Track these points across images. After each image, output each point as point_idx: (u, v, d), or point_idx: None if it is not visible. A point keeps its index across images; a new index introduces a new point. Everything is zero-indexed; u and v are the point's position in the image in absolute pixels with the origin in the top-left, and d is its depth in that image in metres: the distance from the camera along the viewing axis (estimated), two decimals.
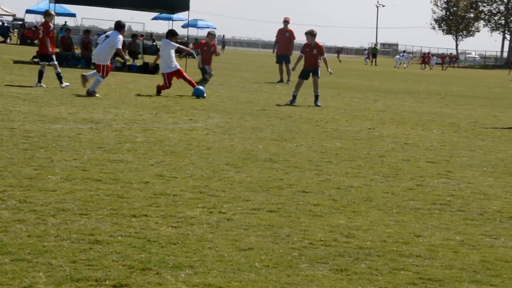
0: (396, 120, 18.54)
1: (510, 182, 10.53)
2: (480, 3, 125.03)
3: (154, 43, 66.03)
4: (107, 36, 20.52)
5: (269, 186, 9.09)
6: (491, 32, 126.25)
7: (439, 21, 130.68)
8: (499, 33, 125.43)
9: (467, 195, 9.38)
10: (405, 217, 7.94)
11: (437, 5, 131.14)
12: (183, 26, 61.91)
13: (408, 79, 48.52)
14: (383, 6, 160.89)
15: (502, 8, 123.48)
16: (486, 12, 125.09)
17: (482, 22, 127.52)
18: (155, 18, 62.44)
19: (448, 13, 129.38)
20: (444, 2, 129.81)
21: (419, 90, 35.11)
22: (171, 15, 41.23)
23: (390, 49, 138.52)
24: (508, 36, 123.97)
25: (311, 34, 21.81)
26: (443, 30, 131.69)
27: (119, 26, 20.56)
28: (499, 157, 13.03)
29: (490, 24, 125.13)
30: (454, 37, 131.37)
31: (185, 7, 34.09)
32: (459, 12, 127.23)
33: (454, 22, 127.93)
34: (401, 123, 18.02)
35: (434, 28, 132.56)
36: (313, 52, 21.69)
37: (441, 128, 17.34)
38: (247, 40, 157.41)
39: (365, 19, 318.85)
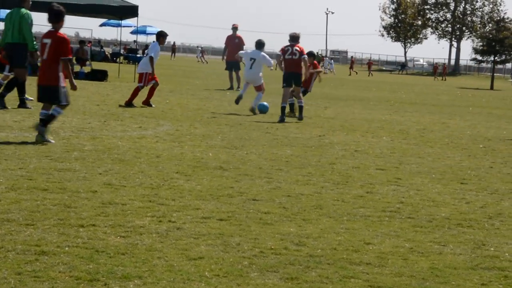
0: (346, 127, 18.61)
1: (458, 189, 10.61)
2: (427, 11, 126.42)
3: (102, 50, 65.57)
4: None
5: (219, 194, 9.04)
6: (439, 40, 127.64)
7: (387, 28, 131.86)
8: (447, 40, 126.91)
9: (416, 202, 9.42)
10: (355, 225, 7.94)
11: (385, 13, 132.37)
12: (132, 33, 61.53)
13: (358, 86, 48.84)
14: (333, 13, 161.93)
15: (449, 15, 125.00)
16: (433, 20, 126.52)
17: (429, 30, 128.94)
18: (103, 24, 62.02)
19: (396, 20, 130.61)
20: (392, 9, 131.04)
21: (368, 97, 35.36)
22: (120, 21, 40.96)
23: (340, 56, 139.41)
24: (455, 44, 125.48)
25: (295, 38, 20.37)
26: (391, 37, 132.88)
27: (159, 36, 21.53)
28: (447, 164, 13.13)
29: (437, 32, 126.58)
30: (402, 44, 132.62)
31: (134, 13, 33.80)
32: (407, 20, 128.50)
33: (402, 29, 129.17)
34: (351, 130, 18.10)
35: (382, 36, 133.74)
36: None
37: (391, 135, 17.45)
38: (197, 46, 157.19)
39: (315, 26, 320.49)
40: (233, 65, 32.31)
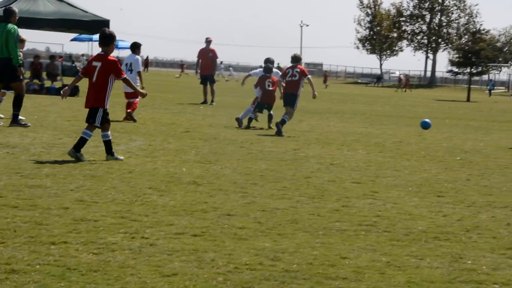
0: (321, 141, 18.56)
1: (435, 202, 10.56)
2: (403, 23, 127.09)
3: (73, 64, 65.24)
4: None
5: (193, 210, 8.93)
6: (415, 52, 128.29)
7: (363, 41, 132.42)
8: (422, 52, 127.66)
9: (393, 216, 9.35)
10: (331, 239, 7.85)
11: (360, 25, 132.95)
12: None
13: (333, 99, 48.90)
14: (307, 25, 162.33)
15: (424, 27, 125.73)
16: (409, 32, 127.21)
17: (405, 42, 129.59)
18: (74, 39, 61.67)
19: (371, 32, 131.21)
20: (368, 21, 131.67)
21: (344, 110, 35.38)
22: (91, 36, 40.75)
23: (315, 69, 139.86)
24: (431, 55, 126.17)
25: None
26: (367, 50, 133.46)
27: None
28: (424, 177, 13.09)
29: (413, 44, 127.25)
30: (378, 56, 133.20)
31: (105, 27, 33.57)
32: (383, 32, 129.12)
33: (378, 41, 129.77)
34: (327, 143, 18.04)
35: (358, 48, 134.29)
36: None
37: (367, 148, 17.40)
38: (170, 60, 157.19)
39: (289, 39, 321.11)
40: (207, 78, 32.23)
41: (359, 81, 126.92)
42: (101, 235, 7.38)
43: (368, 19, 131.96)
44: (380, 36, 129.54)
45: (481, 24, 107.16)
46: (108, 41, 12.86)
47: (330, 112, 32.43)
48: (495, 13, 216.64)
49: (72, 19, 32.31)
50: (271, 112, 21.75)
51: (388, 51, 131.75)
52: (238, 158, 14.15)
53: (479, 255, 7.52)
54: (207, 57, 32.62)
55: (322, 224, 8.60)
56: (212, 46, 33.04)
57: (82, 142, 12.54)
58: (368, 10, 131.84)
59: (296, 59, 20.66)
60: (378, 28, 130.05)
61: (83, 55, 78.85)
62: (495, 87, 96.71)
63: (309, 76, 20.56)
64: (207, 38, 33.06)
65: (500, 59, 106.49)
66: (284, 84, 20.81)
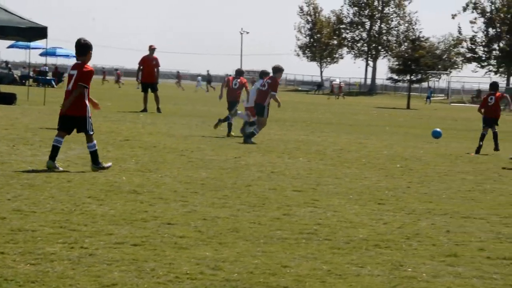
0: (262, 149, 18.54)
1: (376, 210, 10.60)
2: (343, 30, 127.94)
3: (11, 72, 64.29)
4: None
5: (133, 219, 8.83)
6: (355, 59, 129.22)
7: (303, 48, 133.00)
8: (362, 59, 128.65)
9: (333, 224, 9.36)
10: (272, 248, 7.82)
11: (301, 32, 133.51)
12: (41, 55, 60.55)
13: (274, 107, 48.94)
14: (247, 33, 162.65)
15: (364, 35, 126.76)
16: (349, 39, 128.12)
17: (345, 49, 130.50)
18: (11, 46, 60.84)
19: (312, 40, 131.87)
20: (308, 29, 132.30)
21: (284, 117, 35.42)
22: (29, 43, 40.18)
23: (256, 76, 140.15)
24: (371, 63, 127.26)
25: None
26: (307, 57, 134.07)
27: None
28: (364, 185, 13.14)
29: (353, 51, 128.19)
30: (318, 64, 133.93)
31: (43, 35, 32.98)
32: (323, 39, 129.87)
33: (318, 49, 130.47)
34: (268, 151, 18.03)
35: (298, 55, 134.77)
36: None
37: (307, 156, 17.43)
38: (109, 68, 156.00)
39: (229, 46, 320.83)
40: (149, 86, 32.05)
41: (300, 88, 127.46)
42: (39, 245, 7.26)
43: (308, 26, 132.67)
44: (321, 43, 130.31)
45: (420, 32, 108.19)
46: (84, 50, 12.87)
47: (270, 120, 32.23)
48: (435, 21, 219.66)
49: (8, 26, 31.70)
50: (231, 121, 22.42)
51: (328, 59, 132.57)
52: (179, 166, 14.05)
53: (419, 262, 7.55)
54: (151, 64, 32.44)
55: (263, 232, 8.57)
56: (155, 54, 32.86)
57: (55, 150, 12.53)
58: (308, 18, 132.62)
59: (276, 71, 21.72)
60: (318, 35, 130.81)
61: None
62: (433, 95, 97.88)
63: (274, 93, 21.33)
64: (151, 46, 32.89)
65: (440, 66, 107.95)
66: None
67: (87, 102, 12.73)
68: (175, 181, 12.11)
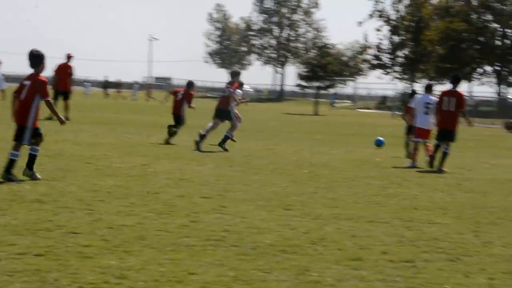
0: (171, 156, 18.43)
1: (283, 215, 10.65)
2: (252, 37, 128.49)
3: None
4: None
5: (37, 229, 8.66)
6: (264, 66, 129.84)
7: (212, 55, 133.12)
8: (271, 66, 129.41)
9: (241, 230, 9.36)
10: (179, 255, 7.78)
11: (210, 39, 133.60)
12: None
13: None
14: (157, 39, 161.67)
15: (273, 42, 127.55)
16: (258, 46, 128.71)
17: (254, 56, 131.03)
18: None
19: (221, 46, 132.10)
20: (217, 35, 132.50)
21: (194, 124, 35.27)
22: None
23: (164, 83, 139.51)
24: (280, 70, 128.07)
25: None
26: (216, 64, 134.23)
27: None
28: (272, 191, 13.19)
29: (262, 58, 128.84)
30: (228, 70, 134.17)
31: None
32: (232, 46, 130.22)
33: (227, 55, 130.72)
34: (176, 158, 17.93)
35: (207, 62, 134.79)
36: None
37: (216, 163, 17.40)
38: (22, 74, 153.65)
39: (138, 53, 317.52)
40: (63, 94, 31.57)
41: (209, 95, 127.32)
42: None
43: (217, 33, 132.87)
44: (230, 50, 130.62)
45: (328, 39, 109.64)
46: (37, 61, 12.79)
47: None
48: (342, 28, 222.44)
49: None
50: (175, 129, 23.18)
51: (237, 65, 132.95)
52: (85, 174, 13.85)
53: (324, 267, 7.61)
54: (66, 72, 32.01)
55: (170, 240, 8.51)
56: (70, 63, 32.39)
57: (11, 163, 12.52)
58: (218, 24, 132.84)
59: (234, 75, 22.56)
60: (227, 42, 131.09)
61: None
62: (337, 100, 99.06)
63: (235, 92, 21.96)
64: (68, 54, 32.46)
65: (346, 73, 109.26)
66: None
67: (34, 113, 12.60)
68: (81, 190, 11.93)
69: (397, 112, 67.46)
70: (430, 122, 19.55)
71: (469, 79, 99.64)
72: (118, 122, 32.30)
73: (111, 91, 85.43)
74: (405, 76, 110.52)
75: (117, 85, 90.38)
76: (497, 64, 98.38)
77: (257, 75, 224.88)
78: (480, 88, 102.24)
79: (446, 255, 8.49)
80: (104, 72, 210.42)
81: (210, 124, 22.21)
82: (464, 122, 19.15)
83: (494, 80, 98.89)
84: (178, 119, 23.77)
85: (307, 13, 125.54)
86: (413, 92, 22.83)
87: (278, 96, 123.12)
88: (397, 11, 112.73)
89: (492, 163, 20.14)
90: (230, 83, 22.23)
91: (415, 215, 11.20)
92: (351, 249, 8.57)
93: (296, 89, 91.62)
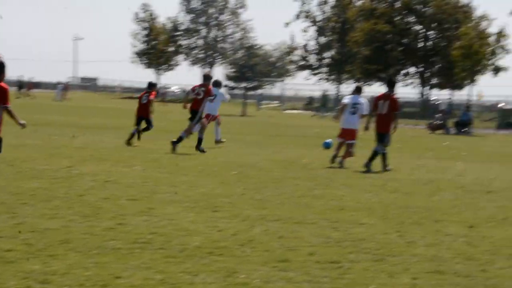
0: (96, 157, 18.22)
1: (211, 217, 10.62)
2: (179, 37, 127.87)
3: None
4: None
5: None
6: (192, 66, 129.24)
7: (139, 55, 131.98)
8: (199, 67, 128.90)
9: (168, 232, 9.30)
10: (105, 258, 7.69)
11: (137, 39, 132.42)
12: None
13: (110, 114, 48.43)
14: (82, 39, 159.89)
15: (201, 42, 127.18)
16: (185, 46, 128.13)
17: (182, 56, 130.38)
18: None
19: (148, 46, 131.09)
20: (144, 35, 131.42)
21: (120, 125, 35.03)
22: None
23: (90, 84, 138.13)
24: (207, 70, 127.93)
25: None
26: (144, 64, 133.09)
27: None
28: (201, 192, 13.14)
29: (190, 58, 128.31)
30: (155, 70, 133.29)
31: None
32: (159, 46, 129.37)
33: (154, 56, 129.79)
34: (102, 160, 17.74)
35: (134, 62, 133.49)
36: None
37: (144, 164, 17.26)
38: None
39: (62, 53, 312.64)
40: None
41: (136, 95, 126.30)
42: None
43: (144, 33, 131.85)
44: (157, 50, 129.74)
45: (255, 39, 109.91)
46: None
47: (106, 128, 32.04)
48: (269, 29, 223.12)
49: None
50: (146, 131, 24.06)
51: (165, 65, 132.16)
52: (7, 176, 13.59)
53: (252, 268, 7.61)
54: None
55: (95, 243, 8.41)
56: None
57: None
58: (144, 24, 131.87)
59: (206, 78, 22.96)
60: (154, 42, 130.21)
61: None
62: (265, 101, 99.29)
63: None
64: None
65: (274, 73, 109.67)
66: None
67: None
68: (3, 192, 11.69)
69: (327, 114, 68.05)
70: (356, 122, 19.97)
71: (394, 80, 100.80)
72: (41, 123, 31.81)
73: (23, 91, 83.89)
74: (332, 77, 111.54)
75: (29, 84, 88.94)
76: (420, 65, 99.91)
77: (185, 75, 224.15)
78: (403, 89, 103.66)
79: (372, 256, 8.57)
80: (29, 73, 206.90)
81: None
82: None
83: (417, 81, 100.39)
84: (148, 121, 24.43)
85: (234, 13, 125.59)
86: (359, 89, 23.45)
87: None
88: (323, 12, 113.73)
89: (416, 164, 20.42)
90: (203, 86, 22.49)
91: (342, 216, 11.29)
92: (278, 250, 8.59)
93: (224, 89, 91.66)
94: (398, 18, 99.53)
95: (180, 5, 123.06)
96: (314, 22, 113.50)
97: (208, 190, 13.53)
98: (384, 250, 8.90)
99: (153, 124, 24.64)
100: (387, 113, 18.96)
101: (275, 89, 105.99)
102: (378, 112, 19.12)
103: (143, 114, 24.42)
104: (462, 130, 48.33)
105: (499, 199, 14.27)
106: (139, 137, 23.83)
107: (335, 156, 19.62)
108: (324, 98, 74.41)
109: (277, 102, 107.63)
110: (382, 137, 19.00)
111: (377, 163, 18.56)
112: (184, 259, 7.92)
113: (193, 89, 22.59)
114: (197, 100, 22.28)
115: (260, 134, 35.08)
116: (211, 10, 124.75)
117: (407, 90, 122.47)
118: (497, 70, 59.83)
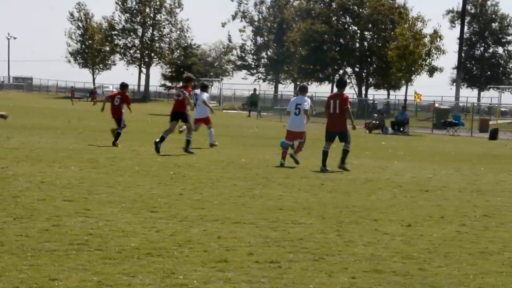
0: (31, 158, 17.96)
1: (149, 218, 10.53)
2: (115, 37, 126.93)
3: None
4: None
5: None
6: (128, 66, 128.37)
7: (74, 54, 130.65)
8: (135, 66, 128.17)
9: (105, 233, 9.20)
10: (40, 260, 7.57)
11: (72, 38, 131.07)
12: None
13: (45, 115, 47.82)
14: (15, 38, 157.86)
15: (137, 41, 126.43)
16: (121, 46, 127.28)
17: (118, 56, 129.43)
18: None
19: (83, 46, 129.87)
20: (79, 35, 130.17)
21: (55, 125, 34.63)
22: None
23: (24, 83, 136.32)
24: (144, 70, 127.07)
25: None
26: (79, 64, 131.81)
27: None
28: (137, 192, 13.04)
29: (126, 58, 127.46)
30: (91, 70, 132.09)
31: None
32: (95, 46, 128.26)
33: (90, 55, 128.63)
34: (37, 160, 17.49)
35: (70, 62, 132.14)
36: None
37: (80, 165, 17.07)
38: None
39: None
40: None
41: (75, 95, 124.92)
42: None
43: (79, 32, 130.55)
44: (93, 49, 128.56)
45: (192, 39, 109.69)
46: None
47: (40, 128, 31.61)
48: (206, 29, 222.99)
49: None
50: (119, 131, 24.41)
51: (101, 65, 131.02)
52: None
53: (190, 269, 7.56)
54: None
55: (30, 245, 8.27)
56: None
57: None
58: (79, 23, 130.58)
59: (187, 80, 23.55)
60: (90, 41, 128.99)
61: None
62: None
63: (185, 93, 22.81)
64: None
65: (211, 73, 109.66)
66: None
67: None
68: None
69: (263, 113, 68.19)
70: (300, 124, 20.18)
71: (331, 80, 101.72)
72: None
73: None
74: (269, 77, 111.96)
75: None
76: (357, 65, 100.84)
77: (122, 75, 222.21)
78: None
79: (310, 255, 8.57)
80: None
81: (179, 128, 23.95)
82: (349, 120, 19.70)
83: (354, 81, 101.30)
84: (119, 122, 24.82)
85: (170, 13, 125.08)
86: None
87: (143, 96, 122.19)
88: (260, 12, 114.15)
89: (354, 163, 20.55)
90: (183, 87, 23.19)
91: (280, 216, 11.29)
92: (217, 250, 8.55)
93: (161, 89, 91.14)
94: (335, 18, 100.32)
95: (115, 4, 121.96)
96: (251, 22, 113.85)
97: (145, 190, 13.43)
98: (322, 250, 8.91)
99: (124, 124, 25.08)
100: (339, 112, 19.28)
101: (213, 89, 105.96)
102: (331, 111, 19.41)
103: (117, 115, 25.00)
104: (399, 130, 48.87)
105: (436, 198, 14.42)
106: (115, 136, 24.25)
107: (283, 157, 19.78)
108: (253, 97, 74.28)
109: (214, 102, 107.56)
110: (340, 136, 19.42)
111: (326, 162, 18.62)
112: (121, 260, 7.83)
113: (177, 91, 23.49)
114: (177, 102, 22.88)
115: (198, 134, 34.93)
116: (147, 10, 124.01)
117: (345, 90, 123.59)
118: (432, 70, 60.57)
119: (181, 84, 24.04)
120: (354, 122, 19.94)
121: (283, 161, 19.65)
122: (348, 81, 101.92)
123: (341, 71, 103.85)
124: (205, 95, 26.64)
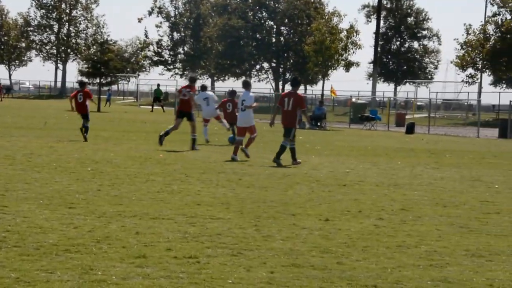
0: None
1: (67, 214, 10.51)
2: (31, 33, 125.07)
3: None
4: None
5: None
6: (44, 62, 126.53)
7: None
8: (52, 62, 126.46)
9: (23, 230, 9.17)
10: None
11: None
12: None
13: None
14: None
15: (53, 37, 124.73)
16: (37, 42, 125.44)
17: (34, 52, 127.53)
18: None
19: None
20: None
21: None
22: None
23: None
24: (60, 66, 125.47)
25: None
26: None
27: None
28: (55, 189, 12.98)
29: (42, 54, 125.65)
30: (7, 67, 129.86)
31: None
32: (10, 42, 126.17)
33: (6, 51, 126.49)
34: None
35: None
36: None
37: None
38: None
39: None
40: None
41: None
42: None
43: None
44: (8, 46, 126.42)
45: (108, 35, 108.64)
46: None
47: None
48: (122, 24, 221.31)
49: None
50: (87, 125, 25.79)
51: (17, 61, 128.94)
52: None
53: (109, 265, 7.60)
54: None
55: None
56: None
57: None
58: None
59: (192, 80, 25.05)
60: (5, 38, 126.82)
61: None
62: (120, 97, 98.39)
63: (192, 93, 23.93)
64: None
65: (128, 69, 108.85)
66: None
67: None
68: None
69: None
70: (248, 119, 21.45)
71: (247, 75, 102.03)
72: None
73: None
74: (186, 73, 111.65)
75: None
76: (274, 60, 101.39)
77: (38, 71, 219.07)
78: (257, 84, 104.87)
79: (229, 250, 8.67)
80: None
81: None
82: (304, 120, 20.61)
83: (271, 76, 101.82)
84: (86, 117, 26.14)
85: (86, 9, 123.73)
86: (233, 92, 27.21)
87: (59, 93, 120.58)
88: (176, 8, 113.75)
89: (271, 158, 20.75)
90: (188, 87, 24.15)
91: (198, 211, 11.37)
92: (135, 246, 8.60)
93: (78, 85, 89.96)
94: (251, 13, 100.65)
95: (31, 0, 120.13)
96: (167, 17, 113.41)
97: (63, 186, 13.37)
98: (241, 245, 9.02)
99: (89, 118, 26.31)
100: (291, 110, 20.04)
101: (130, 84, 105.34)
102: (284, 108, 20.17)
103: (83, 111, 26.44)
104: (316, 125, 49.30)
105: (353, 192, 14.65)
106: (84, 136, 25.41)
107: (235, 152, 20.60)
108: (157, 91, 74.12)
109: (132, 98, 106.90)
110: (288, 131, 20.09)
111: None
112: (39, 257, 7.83)
113: (180, 91, 24.23)
114: (183, 101, 23.87)
115: (115, 130, 34.75)
116: (63, 6, 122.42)
117: (261, 85, 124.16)
118: (349, 65, 61.24)
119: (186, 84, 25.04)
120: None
121: (235, 155, 20.42)
122: (265, 76, 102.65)
123: (257, 66, 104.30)
124: (209, 94, 28.31)
